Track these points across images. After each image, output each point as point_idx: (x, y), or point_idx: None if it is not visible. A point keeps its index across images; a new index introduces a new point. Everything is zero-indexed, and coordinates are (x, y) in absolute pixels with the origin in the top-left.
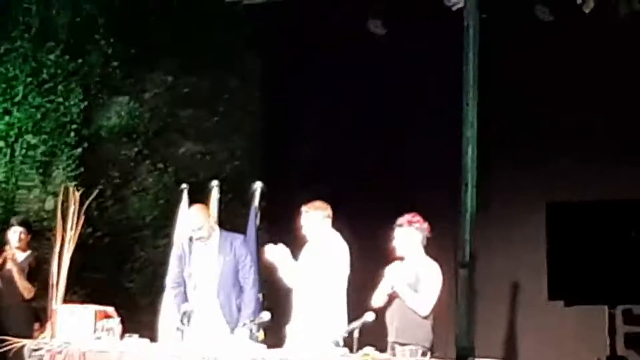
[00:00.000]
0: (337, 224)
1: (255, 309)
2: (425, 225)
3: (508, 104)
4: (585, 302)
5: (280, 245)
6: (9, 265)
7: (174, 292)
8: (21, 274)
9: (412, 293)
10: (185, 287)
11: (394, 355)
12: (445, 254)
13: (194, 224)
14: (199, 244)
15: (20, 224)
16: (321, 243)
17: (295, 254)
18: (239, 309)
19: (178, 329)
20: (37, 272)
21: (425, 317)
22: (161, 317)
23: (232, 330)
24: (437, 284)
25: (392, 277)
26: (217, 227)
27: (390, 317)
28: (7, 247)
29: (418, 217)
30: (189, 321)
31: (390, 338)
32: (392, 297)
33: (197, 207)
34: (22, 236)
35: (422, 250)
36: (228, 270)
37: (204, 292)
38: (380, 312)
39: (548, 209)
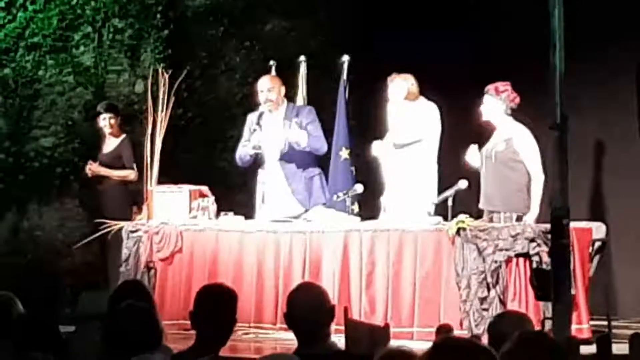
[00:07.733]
0: (430, 91)
1: (348, 181)
2: (513, 96)
3: None
4: None
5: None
6: (100, 172)
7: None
8: (113, 167)
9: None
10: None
11: None
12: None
13: (265, 84)
14: (267, 116)
15: (107, 110)
16: (410, 109)
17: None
18: (310, 178)
19: (254, 147)
20: (134, 154)
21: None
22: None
23: (300, 201)
24: (535, 147)
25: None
26: (286, 100)
27: (485, 186)
28: (89, 164)
29: (506, 87)
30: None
31: (488, 207)
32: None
33: (272, 75)
34: (112, 121)
35: (508, 118)
36: None
37: (271, 161)
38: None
39: (639, 68)
